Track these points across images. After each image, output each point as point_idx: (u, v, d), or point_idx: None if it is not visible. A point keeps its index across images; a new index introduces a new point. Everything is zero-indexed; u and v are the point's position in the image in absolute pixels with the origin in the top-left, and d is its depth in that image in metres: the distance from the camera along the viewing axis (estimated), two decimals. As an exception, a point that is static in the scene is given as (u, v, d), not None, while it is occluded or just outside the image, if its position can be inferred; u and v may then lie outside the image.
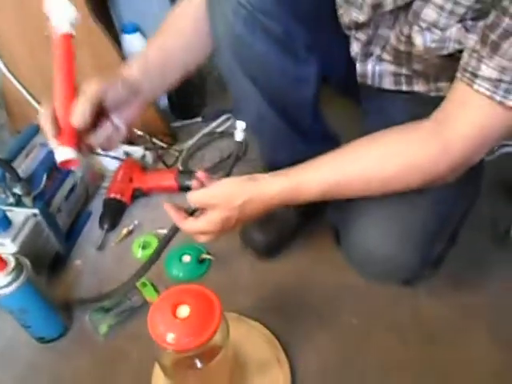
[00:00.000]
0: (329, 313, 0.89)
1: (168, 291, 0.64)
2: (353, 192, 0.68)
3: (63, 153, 0.62)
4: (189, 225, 0.71)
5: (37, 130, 0.97)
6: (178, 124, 1.38)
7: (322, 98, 0.87)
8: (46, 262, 0.96)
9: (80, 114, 0.62)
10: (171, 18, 0.77)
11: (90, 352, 0.85)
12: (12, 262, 0.75)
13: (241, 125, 0.71)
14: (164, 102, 1.41)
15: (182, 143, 1.31)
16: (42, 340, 0.86)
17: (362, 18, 0.70)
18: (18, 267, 0.75)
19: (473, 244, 0.94)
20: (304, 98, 0.82)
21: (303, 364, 0.81)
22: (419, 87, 0.75)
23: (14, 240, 0.85)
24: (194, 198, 0.70)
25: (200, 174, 0.72)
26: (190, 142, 1.30)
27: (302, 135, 0.86)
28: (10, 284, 0.74)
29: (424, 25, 0.61)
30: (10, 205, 0.90)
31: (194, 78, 1.38)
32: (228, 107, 1.36)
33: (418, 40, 0.63)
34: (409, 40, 0.66)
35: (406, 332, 0.85)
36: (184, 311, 0.61)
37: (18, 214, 0.89)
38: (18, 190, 0.89)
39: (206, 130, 1.34)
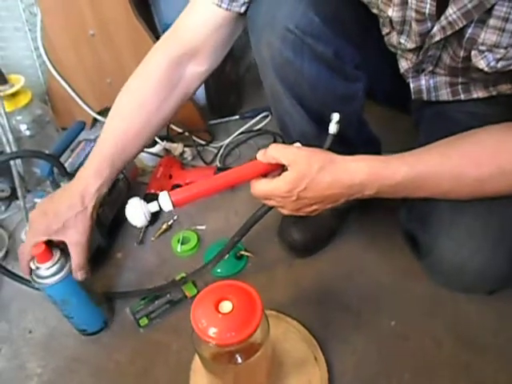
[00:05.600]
0: (367, 313, 0.88)
1: (211, 286, 0.65)
2: (441, 188, 0.64)
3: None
4: (261, 185, 0.67)
5: (82, 126, 1.00)
6: (215, 122, 1.40)
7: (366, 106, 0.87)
8: (89, 255, 0.98)
9: (82, 273, 0.78)
10: (121, 107, 0.80)
11: (130, 344, 0.87)
12: (57, 253, 0.77)
13: (336, 117, 0.66)
14: (202, 100, 1.42)
15: (219, 141, 1.32)
16: (84, 332, 0.88)
17: (409, 45, 0.68)
18: (63, 258, 0.77)
19: None
20: (351, 113, 0.81)
21: (340, 363, 0.81)
22: (478, 94, 0.73)
23: (60, 232, 0.88)
24: (275, 150, 0.66)
25: (298, 144, 0.69)
26: (228, 140, 1.31)
27: (347, 145, 0.85)
28: (54, 274, 0.76)
29: (484, 48, 0.59)
30: (57, 198, 0.93)
31: (231, 77, 1.39)
32: (265, 105, 1.37)
33: (481, 63, 0.61)
34: (466, 60, 0.64)
35: (443, 336, 0.84)
36: (227, 306, 0.62)
37: (64, 208, 0.91)
38: (64, 184, 0.91)
39: (244, 127, 1.34)
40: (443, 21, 0.60)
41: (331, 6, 0.69)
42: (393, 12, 0.65)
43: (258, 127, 1.35)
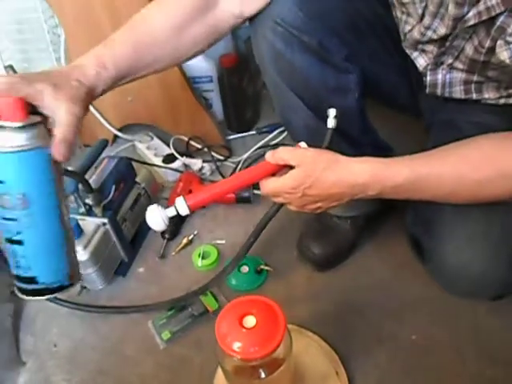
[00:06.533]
0: (388, 327, 0.88)
1: (235, 301, 0.67)
2: (441, 191, 0.66)
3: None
4: (270, 183, 0.71)
5: (105, 144, 1.03)
6: (233, 137, 1.42)
7: (375, 112, 0.88)
8: (112, 269, 1.01)
9: (66, 149, 0.55)
10: (145, 16, 0.73)
11: (153, 358, 0.88)
12: (36, 118, 0.53)
13: (332, 112, 0.71)
14: (220, 115, 1.45)
15: (237, 156, 1.34)
16: (29, 284, 0.55)
17: (440, 30, 0.69)
18: (42, 127, 0.53)
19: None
20: (348, 107, 0.83)
21: (361, 378, 0.81)
22: (489, 94, 0.74)
23: (85, 248, 0.90)
24: (284, 152, 0.69)
25: (303, 144, 0.72)
26: (246, 155, 1.33)
27: (353, 146, 0.87)
28: (23, 138, 0.51)
29: (511, 39, 0.60)
30: (82, 214, 0.96)
31: (248, 93, 1.41)
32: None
33: (504, 54, 0.62)
34: (490, 51, 0.65)
35: (464, 350, 0.84)
36: (250, 321, 0.63)
37: (88, 223, 0.94)
38: (89, 201, 0.94)
39: (261, 142, 1.36)
40: (481, 5, 0.61)
41: (318, 5, 0.75)
42: None
43: (274, 142, 1.37)
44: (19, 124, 0.50)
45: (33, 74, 0.58)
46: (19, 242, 0.53)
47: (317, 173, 0.66)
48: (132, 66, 0.69)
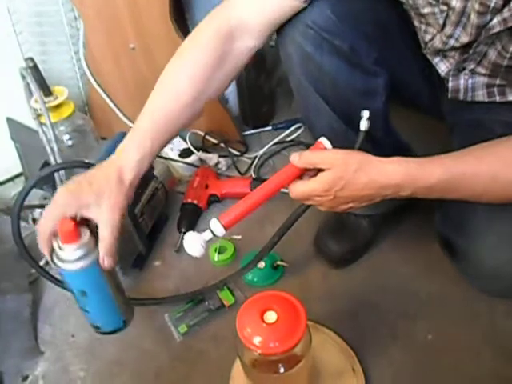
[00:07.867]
0: (403, 326, 0.88)
1: (256, 296, 0.67)
2: (475, 190, 0.66)
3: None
4: (299, 187, 0.69)
5: (122, 137, 1.02)
6: (249, 132, 1.42)
7: (396, 112, 0.88)
8: (130, 262, 1.02)
9: (111, 260, 0.65)
10: (169, 79, 0.76)
11: (170, 350, 0.89)
12: (86, 234, 0.64)
13: (366, 114, 0.69)
14: (236, 111, 1.45)
15: (253, 151, 1.34)
16: (97, 330, 0.74)
17: (462, 39, 0.69)
18: (92, 241, 0.65)
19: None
20: (374, 110, 0.81)
21: (377, 375, 0.81)
22: None
23: (104, 240, 0.91)
24: (312, 155, 0.68)
25: (324, 140, 0.70)
26: (262, 151, 1.33)
27: (376, 148, 0.86)
28: (79, 259, 0.63)
29: None
30: (101, 207, 0.97)
31: (264, 90, 1.41)
32: (297, 116, 1.39)
33: None
34: None
35: (481, 350, 0.84)
36: (271, 316, 0.64)
37: (107, 216, 0.95)
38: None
39: (277, 138, 1.36)
40: (506, 13, 0.60)
41: (348, 8, 0.75)
42: (456, 2, 0.66)
43: (290, 138, 1.37)
44: (75, 246, 0.62)
45: (77, 185, 0.66)
46: (85, 310, 0.69)
47: (349, 174, 0.65)
48: (169, 135, 0.74)
